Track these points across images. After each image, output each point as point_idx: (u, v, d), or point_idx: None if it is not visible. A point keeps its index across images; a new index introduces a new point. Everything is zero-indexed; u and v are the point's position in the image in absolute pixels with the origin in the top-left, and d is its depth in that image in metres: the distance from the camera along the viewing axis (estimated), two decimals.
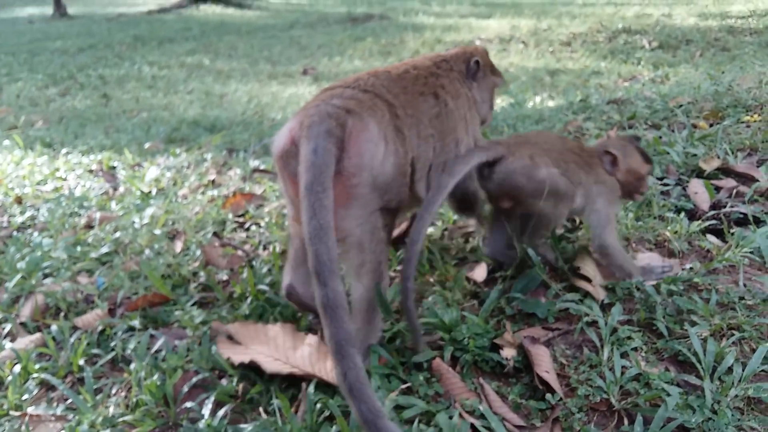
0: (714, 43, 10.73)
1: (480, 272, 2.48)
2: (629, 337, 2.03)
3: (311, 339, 1.93)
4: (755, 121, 3.72)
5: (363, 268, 1.95)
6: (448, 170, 2.10)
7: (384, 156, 1.91)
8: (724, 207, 2.91)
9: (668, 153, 3.39)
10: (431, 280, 2.51)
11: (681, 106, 4.18)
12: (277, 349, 1.89)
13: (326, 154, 1.75)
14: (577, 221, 2.71)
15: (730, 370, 1.85)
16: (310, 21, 16.91)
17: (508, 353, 1.99)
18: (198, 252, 2.90)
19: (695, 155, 3.36)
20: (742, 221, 2.79)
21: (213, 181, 4.05)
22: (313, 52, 12.97)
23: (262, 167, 4.21)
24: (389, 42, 12.93)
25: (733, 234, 2.59)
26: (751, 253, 2.48)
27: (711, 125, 3.87)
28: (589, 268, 2.27)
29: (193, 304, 2.50)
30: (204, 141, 5.20)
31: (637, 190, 2.48)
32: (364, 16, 16.36)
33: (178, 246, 3.05)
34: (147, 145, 5.53)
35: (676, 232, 2.65)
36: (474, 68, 2.45)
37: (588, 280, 2.24)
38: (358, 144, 1.85)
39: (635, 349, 1.99)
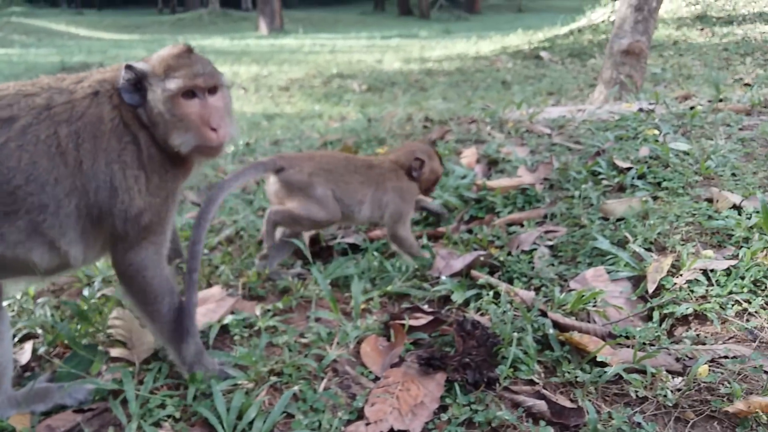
0: (414, 84, 11.90)
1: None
2: (162, 405, 1.80)
3: None
4: (383, 153, 3.94)
5: None
6: (220, 184, 2.14)
7: None
8: (333, 239, 2.94)
9: None
10: None
11: (328, 143, 4.30)
12: None
13: None
14: None
15: (251, 425, 1.71)
16: (14, 72, 15.04)
17: None
18: None
19: None
20: (346, 252, 2.83)
21: None
22: None
23: None
24: None
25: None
26: (336, 285, 2.48)
27: None
28: (122, 329, 2.00)
29: None
30: None
31: (432, 188, 2.87)
32: (80, 65, 15.03)
33: None
34: None
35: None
36: (129, 78, 1.80)
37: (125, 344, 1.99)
38: None
39: (166, 417, 1.77)
